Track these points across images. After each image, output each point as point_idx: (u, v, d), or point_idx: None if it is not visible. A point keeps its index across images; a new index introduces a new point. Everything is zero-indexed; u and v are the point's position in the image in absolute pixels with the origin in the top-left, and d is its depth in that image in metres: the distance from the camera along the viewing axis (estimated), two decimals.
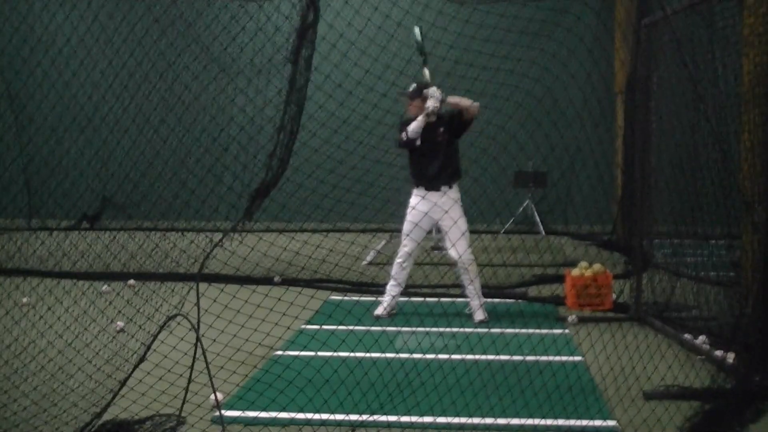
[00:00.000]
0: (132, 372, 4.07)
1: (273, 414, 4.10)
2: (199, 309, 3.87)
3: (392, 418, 4.03)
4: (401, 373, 4.61)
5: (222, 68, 8.13)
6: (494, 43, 5.41)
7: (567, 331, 6.24)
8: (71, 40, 9.41)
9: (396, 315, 6.68)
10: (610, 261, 8.36)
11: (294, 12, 4.38)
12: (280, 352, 5.35)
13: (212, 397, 4.02)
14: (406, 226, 6.50)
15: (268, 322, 4.56)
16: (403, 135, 6.35)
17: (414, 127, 6.30)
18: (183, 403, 3.86)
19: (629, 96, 8.30)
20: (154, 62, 8.12)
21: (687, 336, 5.66)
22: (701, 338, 5.53)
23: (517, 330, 5.88)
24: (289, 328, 4.97)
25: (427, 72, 6.30)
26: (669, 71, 6.24)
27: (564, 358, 5.26)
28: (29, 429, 3.88)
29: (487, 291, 7.09)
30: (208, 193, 6.61)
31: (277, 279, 7.72)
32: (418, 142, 6.34)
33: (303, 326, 5.88)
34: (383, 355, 4.97)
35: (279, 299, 4.57)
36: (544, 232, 12.36)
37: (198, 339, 3.77)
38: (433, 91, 6.19)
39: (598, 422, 4.10)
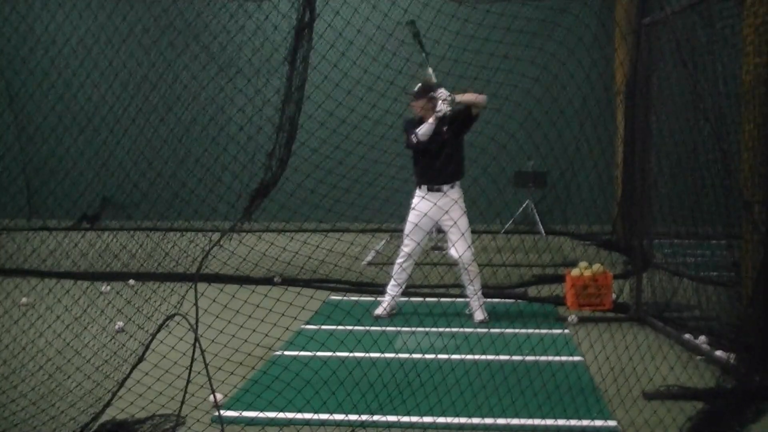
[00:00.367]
0: (131, 372, 4.06)
1: (272, 414, 4.09)
2: (197, 309, 3.86)
3: (392, 419, 4.03)
4: (401, 374, 4.60)
5: (221, 68, 8.13)
6: (493, 42, 5.39)
7: (567, 331, 6.23)
8: (71, 39, 9.41)
9: (396, 315, 6.67)
10: (610, 261, 8.35)
11: (292, 11, 4.37)
12: (279, 353, 5.34)
13: (211, 397, 4.01)
14: (407, 227, 6.50)
15: (267, 322, 4.55)
16: (413, 137, 6.34)
17: (425, 130, 6.30)
18: (182, 403, 3.85)
19: (629, 96, 8.29)
20: (154, 62, 8.12)
21: (687, 336, 5.65)
22: (701, 338, 5.52)
23: (517, 330, 5.87)
24: (288, 328, 4.96)
25: (431, 71, 6.29)
26: (669, 71, 6.24)
27: (564, 358, 5.25)
28: (28, 429, 3.87)
29: (487, 291, 7.08)
30: (208, 192, 6.60)
31: (277, 279, 7.72)
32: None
33: (302, 326, 5.87)
34: (383, 355, 4.96)
35: (278, 299, 4.56)
36: (543, 232, 12.35)
37: (197, 339, 3.76)
38: (444, 94, 6.19)
39: (598, 422, 4.10)
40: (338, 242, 5.37)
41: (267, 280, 7.49)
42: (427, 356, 5.16)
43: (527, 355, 5.12)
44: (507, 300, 7.25)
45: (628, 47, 7.71)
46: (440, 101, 6.19)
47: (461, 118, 6.30)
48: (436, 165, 6.32)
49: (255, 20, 6.09)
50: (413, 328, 5.86)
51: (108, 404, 3.90)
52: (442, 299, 7.00)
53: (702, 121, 5.53)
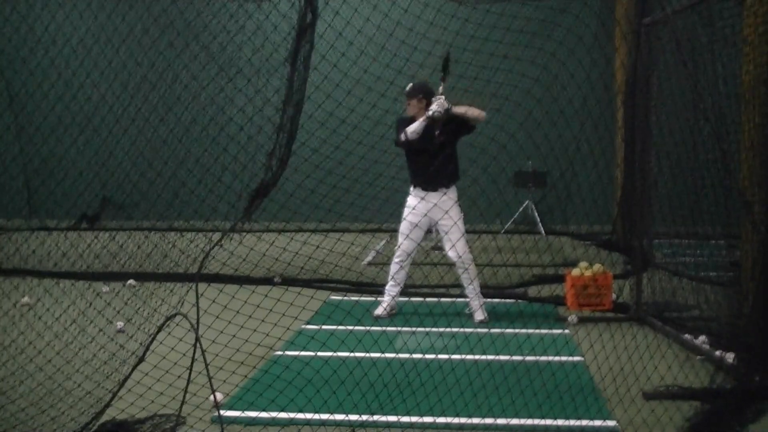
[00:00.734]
0: (131, 372, 4.06)
1: (272, 414, 4.09)
2: (198, 309, 3.87)
3: (392, 419, 4.03)
4: (401, 374, 4.60)
5: (221, 68, 8.13)
6: (493, 42, 5.39)
7: (567, 331, 6.23)
8: (71, 40, 9.41)
9: (396, 315, 6.67)
10: (610, 261, 8.35)
11: (293, 11, 4.38)
12: (279, 353, 5.34)
13: (212, 397, 4.01)
14: (404, 226, 6.50)
15: (267, 322, 4.55)
16: (402, 135, 6.35)
17: (414, 128, 6.31)
18: (182, 404, 3.85)
19: (629, 96, 8.29)
20: (154, 62, 8.12)
21: (687, 336, 5.65)
22: (701, 338, 5.52)
23: (517, 330, 5.87)
24: (288, 328, 4.96)
25: (442, 87, 6.29)
26: (669, 71, 6.24)
27: (564, 358, 5.25)
28: (29, 429, 3.87)
29: (487, 291, 7.08)
30: (207, 192, 6.60)
31: (277, 279, 7.72)
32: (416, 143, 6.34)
33: (302, 326, 5.87)
34: (383, 355, 4.96)
35: (278, 300, 4.56)
36: (543, 232, 12.35)
37: (197, 339, 3.76)
38: (439, 99, 6.19)
39: (598, 422, 4.10)
40: (338, 242, 5.37)
41: (267, 281, 7.48)
42: (427, 356, 5.16)
43: (527, 355, 5.12)
44: (507, 300, 7.25)
45: (628, 47, 7.71)
46: (434, 102, 6.19)
47: (456, 124, 6.30)
48: (428, 167, 6.32)
49: (255, 20, 6.09)
50: (413, 328, 5.87)
51: (108, 404, 3.90)
52: (442, 299, 7.00)
53: (702, 121, 5.53)
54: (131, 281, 7.85)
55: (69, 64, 9.87)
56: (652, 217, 6.79)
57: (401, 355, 5.12)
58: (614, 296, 7.02)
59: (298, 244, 5.09)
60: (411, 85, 6.45)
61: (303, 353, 5.00)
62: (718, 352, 5.11)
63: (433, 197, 6.32)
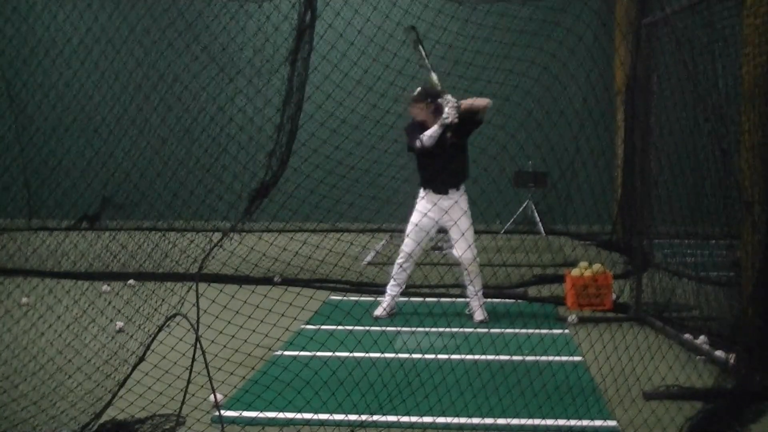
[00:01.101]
0: (131, 372, 4.06)
1: (272, 414, 4.09)
2: (198, 309, 3.87)
3: (392, 419, 4.03)
4: (401, 374, 4.60)
5: (221, 68, 8.13)
6: (493, 42, 5.40)
7: (567, 331, 6.23)
8: (72, 40, 9.41)
9: (396, 315, 6.67)
10: (610, 261, 8.36)
11: (293, 12, 4.38)
12: (279, 353, 5.34)
13: (211, 397, 4.02)
14: (409, 227, 6.50)
15: (267, 322, 4.55)
16: (418, 142, 6.30)
17: (430, 133, 6.28)
18: (182, 403, 3.86)
19: (629, 96, 8.29)
20: (154, 62, 8.13)
21: (687, 336, 5.65)
22: (701, 338, 5.52)
23: (517, 330, 5.87)
24: (288, 328, 4.96)
25: (434, 77, 6.27)
26: (669, 71, 6.24)
27: (564, 358, 5.25)
28: (29, 429, 3.88)
29: (487, 291, 7.08)
30: (207, 192, 6.60)
31: (277, 279, 7.72)
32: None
33: (302, 327, 5.87)
34: (383, 355, 4.96)
35: (278, 300, 4.56)
36: (544, 232, 12.35)
37: (197, 339, 3.77)
38: (450, 100, 6.18)
39: (598, 422, 4.10)
40: (338, 242, 5.38)
41: (267, 280, 7.49)
42: (427, 356, 5.16)
43: (527, 355, 5.12)
44: (507, 300, 7.25)
45: (628, 47, 7.71)
46: (446, 107, 6.17)
47: (465, 122, 6.30)
48: (441, 170, 6.32)
49: (256, 21, 6.10)
50: (413, 328, 5.87)
51: (108, 404, 3.91)
52: (442, 299, 7.00)
53: (702, 121, 5.53)
54: (131, 281, 7.85)
55: (70, 64, 9.88)
56: (652, 217, 6.79)
57: (401, 355, 5.12)
58: (614, 296, 7.02)
59: (298, 244, 5.09)
60: (419, 89, 6.43)
61: (302, 353, 5.01)
62: (718, 352, 5.11)
63: (444, 201, 6.31)
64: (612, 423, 4.09)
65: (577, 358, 5.31)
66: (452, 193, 6.40)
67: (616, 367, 4.75)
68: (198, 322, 3.81)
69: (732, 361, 4.81)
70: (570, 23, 5.52)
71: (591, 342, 5.06)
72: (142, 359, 4.02)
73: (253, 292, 4.72)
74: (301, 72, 4.32)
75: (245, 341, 4.50)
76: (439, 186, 6.40)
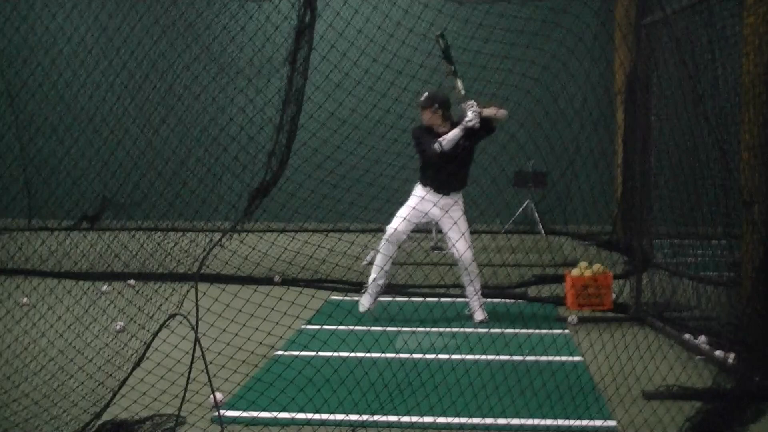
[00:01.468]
0: (132, 372, 4.07)
1: (273, 414, 4.10)
2: (198, 309, 3.87)
3: (392, 419, 4.03)
4: (401, 373, 4.61)
5: (221, 68, 8.14)
6: (493, 42, 5.40)
7: (567, 331, 6.24)
8: (72, 39, 9.42)
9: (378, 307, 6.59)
10: (610, 261, 8.36)
11: (293, 12, 4.39)
12: (280, 352, 5.35)
13: (212, 397, 4.02)
14: (402, 209, 6.47)
15: (268, 321, 4.56)
16: (437, 146, 6.27)
17: (451, 137, 6.27)
18: (182, 403, 3.86)
19: (629, 96, 8.29)
20: (155, 62, 8.13)
21: (687, 336, 5.66)
22: (701, 338, 5.52)
23: (517, 330, 5.87)
24: (289, 327, 4.97)
25: (460, 83, 6.25)
26: (669, 71, 6.24)
27: (564, 358, 5.26)
28: (29, 429, 3.88)
29: (487, 291, 7.08)
30: (208, 192, 6.61)
31: (277, 279, 7.72)
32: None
33: (303, 326, 5.88)
34: (383, 355, 4.97)
35: (279, 299, 4.57)
36: (544, 232, 12.36)
37: (197, 339, 3.77)
38: (473, 107, 6.18)
39: (598, 422, 4.10)
40: (338, 242, 5.38)
41: (267, 280, 7.49)
42: (428, 356, 5.16)
43: (527, 355, 5.13)
44: (507, 300, 7.25)
45: (628, 47, 7.71)
46: (470, 111, 6.17)
47: (480, 129, 6.29)
48: (447, 174, 6.31)
49: (256, 21, 6.10)
50: (413, 328, 5.87)
51: (109, 404, 3.91)
52: (442, 299, 7.00)
53: (702, 121, 5.53)
54: (132, 281, 7.86)
55: (70, 64, 9.89)
56: (652, 217, 6.79)
57: (401, 355, 5.13)
58: (614, 296, 7.02)
59: (298, 243, 5.10)
60: (426, 95, 6.41)
61: (303, 353, 5.01)
62: (718, 352, 5.12)
63: (444, 201, 6.31)
64: (612, 423, 4.09)
65: (577, 358, 5.32)
66: (453, 195, 6.42)
67: (615, 367, 4.76)
68: (198, 321, 3.81)
69: (732, 361, 4.81)
70: (570, 23, 5.52)
71: (591, 342, 5.06)
72: (142, 359, 4.02)
73: (254, 291, 4.72)
74: (300, 72, 4.32)
75: (247, 340, 4.50)
76: (443, 187, 6.41)
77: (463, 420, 4.07)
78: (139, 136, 8.89)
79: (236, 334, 4.46)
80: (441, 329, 5.78)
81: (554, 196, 12.08)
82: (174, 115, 7.62)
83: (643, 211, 6.75)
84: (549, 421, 4.07)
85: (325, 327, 5.19)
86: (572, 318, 6.54)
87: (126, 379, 4.06)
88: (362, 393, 4.30)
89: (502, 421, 4.06)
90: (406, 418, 4.04)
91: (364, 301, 6.66)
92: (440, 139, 6.31)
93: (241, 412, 4.17)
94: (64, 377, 4.55)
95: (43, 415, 4.00)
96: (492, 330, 5.97)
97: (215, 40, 7.82)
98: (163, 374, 4.26)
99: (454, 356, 5.09)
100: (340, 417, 4.07)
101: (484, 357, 5.01)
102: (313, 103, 5.08)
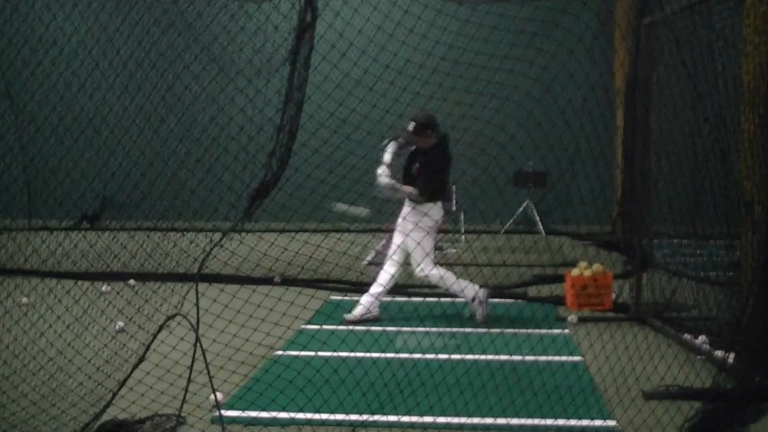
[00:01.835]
0: (132, 372, 4.07)
1: (273, 414, 4.10)
2: (198, 309, 3.87)
3: (392, 418, 4.03)
4: (401, 373, 4.61)
5: (221, 68, 8.14)
6: (493, 42, 5.41)
7: (566, 331, 6.24)
8: (72, 40, 9.41)
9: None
10: (610, 261, 8.36)
11: (293, 11, 4.39)
12: (280, 352, 5.35)
13: (212, 397, 4.02)
14: (427, 243, 6.28)
15: (268, 321, 4.56)
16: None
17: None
18: (182, 403, 3.86)
19: (629, 96, 8.30)
20: (155, 62, 8.13)
21: (687, 336, 5.66)
22: (701, 338, 5.53)
23: (517, 330, 5.88)
24: (289, 328, 4.97)
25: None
26: (669, 71, 6.24)
27: (564, 358, 5.26)
28: (29, 429, 3.88)
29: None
30: (208, 193, 6.61)
31: (276, 279, 7.72)
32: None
33: (303, 326, 5.88)
34: (383, 354, 4.97)
35: (279, 299, 4.57)
36: (543, 232, 12.36)
37: (197, 339, 3.77)
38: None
39: (598, 422, 4.10)
40: (338, 242, 5.38)
41: (267, 280, 7.49)
42: (427, 356, 5.16)
43: (527, 355, 5.13)
44: (507, 300, 7.25)
45: (628, 47, 7.72)
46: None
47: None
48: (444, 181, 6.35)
49: (256, 21, 6.10)
50: (414, 328, 5.87)
51: (109, 404, 3.91)
52: (442, 299, 7.00)
53: (702, 120, 5.53)
54: (131, 281, 7.86)
55: (70, 64, 9.88)
56: (652, 217, 6.80)
57: (401, 355, 5.13)
58: (614, 296, 7.03)
59: (298, 243, 5.10)
60: (413, 124, 6.33)
61: (303, 353, 5.01)
62: (718, 352, 5.12)
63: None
64: (612, 423, 4.09)
65: (577, 358, 5.32)
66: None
67: (615, 367, 4.76)
68: (198, 321, 3.81)
69: (732, 361, 4.81)
70: (570, 24, 5.53)
71: (591, 342, 5.07)
72: (142, 359, 4.02)
73: (254, 291, 4.73)
74: (301, 71, 4.32)
75: (246, 341, 4.50)
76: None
77: (463, 420, 4.07)
78: (139, 136, 8.89)
79: (235, 335, 4.46)
80: (441, 329, 5.78)
81: (554, 196, 12.10)
82: (174, 116, 7.63)
83: (643, 211, 6.75)
84: (549, 421, 4.07)
85: (324, 327, 5.19)
86: (572, 318, 6.55)
87: (126, 379, 4.06)
88: (362, 393, 4.30)
89: (501, 420, 4.06)
90: (406, 418, 4.04)
91: (365, 304, 6.51)
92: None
93: (241, 412, 4.17)
94: (64, 378, 4.55)
95: (42, 416, 3.99)
96: (492, 330, 5.97)
97: (215, 39, 7.83)
98: (163, 374, 4.26)
99: (453, 356, 5.09)
100: (339, 417, 4.07)
101: (484, 357, 5.01)
102: (313, 103, 5.08)
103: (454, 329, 5.95)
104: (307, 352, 4.92)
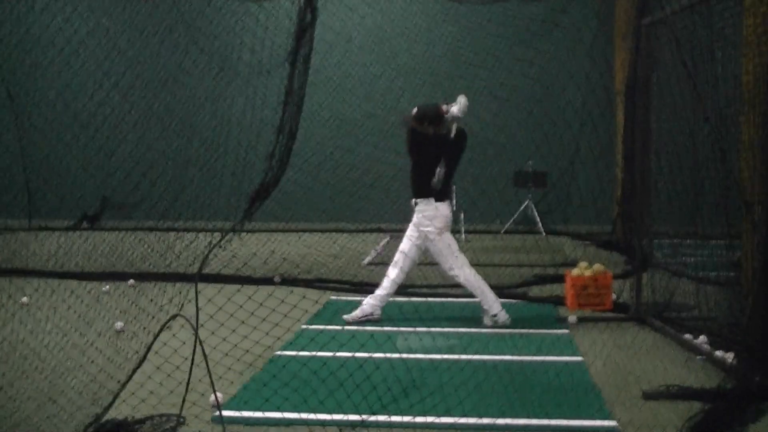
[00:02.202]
0: (132, 373, 4.07)
1: (273, 414, 4.09)
2: (198, 309, 3.87)
3: (393, 419, 4.03)
4: (402, 374, 4.61)
5: (221, 69, 8.14)
6: (493, 42, 5.41)
7: (567, 331, 6.24)
8: (72, 40, 9.42)
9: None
10: (610, 261, 8.36)
11: (293, 11, 4.39)
12: (280, 353, 5.35)
13: (212, 397, 4.02)
14: (453, 243, 6.31)
15: (268, 322, 4.56)
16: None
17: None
18: (183, 403, 3.86)
19: (629, 96, 8.30)
20: (155, 63, 8.14)
21: (687, 336, 5.66)
22: (701, 338, 5.53)
23: (517, 330, 5.88)
24: (289, 329, 4.97)
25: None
26: (669, 71, 6.25)
27: (564, 358, 5.26)
28: (30, 428, 3.88)
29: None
30: (209, 193, 6.61)
31: (276, 279, 7.72)
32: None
33: (303, 326, 5.88)
34: (384, 355, 4.97)
35: (281, 300, 4.57)
36: (544, 232, 12.36)
37: (197, 339, 3.77)
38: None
39: (597, 422, 4.10)
40: (339, 242, 5.38)
41: (268, 280, 7.49)
42: (428, 356, 5.16)
43: (527, 355, 5.13)
44: (507, 300, 7.25)
45: (628, 47, 7.73)
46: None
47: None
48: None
49: (255, 20, 6.11)
50: (414, 328, 5.87)
51: (110, 404, 3.91)
52: (442, 299, 7.00)
53: (702, 121, 5.53)
54: (132, 281, 7.86)
55: (70, 64, 9.89)
56: (652, 217, 6.80)
57: (402, 355, 5.13)
58: (614, 296, 7.03)
59: (299, 243, 5.10)
60: (415, 110, 6.28)
61: (304, 353, 5.01)
62: (718, 352, 5.12)
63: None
64: (612, 423, 4.09)
65: (577, 358, 5.32)
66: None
67: (615, 367, 4.76)
68: (198, 321, 3.81)
69: (732, 361, 4.81)
70: (570, 24, 5.53)
71: (591, 342, 5.06)
72: (143, 360, 4.02)
73: (255, 292, 4.72)
74: (301, 71, 4.32)
75: (246, 339, 4.50)
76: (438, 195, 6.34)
77: (464, 420, 4.07)
78: (139, 136, 8.90)
79: (234, 331, 4.46)
80: (442, 329, 5.78)
81: (554, 196, 12.10)
82: (174, 116, 7.63)
83: (643, 211, 6.75)
84: (549, 421, 4.07)
85: (324, 327, 5.19)
86: (572, 318, 6.55)
87: (128, 379, 4.06)
88: (363, 394, 4.30)
89: (501, 421, 4.06)
90: (406, 418, 4.04)
91: (367, 308, 6.45)
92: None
93: (240, 412, 4.17)
94: (65, 377, 4.55)
95: (43, 415, 4.00)
96: (492, 330, 5.97)
97: (215, 40, 7.83)
98: (163, 375, 4.26)
99: (454, 356, 5.09)
100: (340, 417, 4.07)
101: (484, 357, 5.00)
102: (313, 103, 5.08)
103: (455, 329, 5.95)
104: (308, 352, 4.92)
